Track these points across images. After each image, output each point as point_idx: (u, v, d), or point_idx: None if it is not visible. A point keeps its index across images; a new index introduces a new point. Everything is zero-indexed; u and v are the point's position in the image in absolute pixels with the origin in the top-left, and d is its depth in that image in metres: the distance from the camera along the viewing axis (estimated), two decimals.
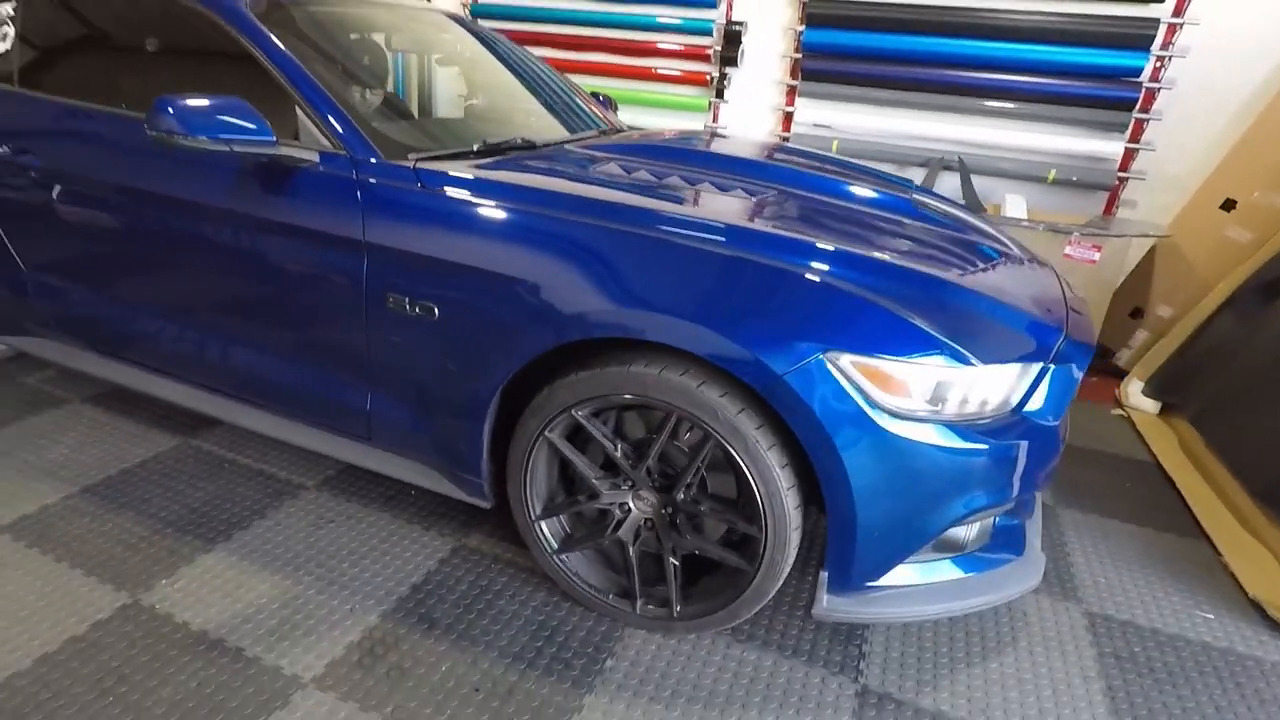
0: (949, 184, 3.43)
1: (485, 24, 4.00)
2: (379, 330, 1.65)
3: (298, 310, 1.75)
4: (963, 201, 3.31)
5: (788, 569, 1.50)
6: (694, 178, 1.87)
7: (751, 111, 3.81)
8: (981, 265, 1.70)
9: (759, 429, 1.40)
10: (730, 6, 3.69)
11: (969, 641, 1.74)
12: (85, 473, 1.94)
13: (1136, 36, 3.10)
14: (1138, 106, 3.21)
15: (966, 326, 1.42)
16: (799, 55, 3.61)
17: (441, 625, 1.62)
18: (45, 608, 1.52)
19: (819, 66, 3.60)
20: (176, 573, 1.66)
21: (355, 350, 1.71)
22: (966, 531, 1.55)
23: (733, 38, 3.66)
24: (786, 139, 3.71)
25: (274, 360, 1.85)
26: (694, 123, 3.89)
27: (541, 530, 1.66)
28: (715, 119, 3.87)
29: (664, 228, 1.48)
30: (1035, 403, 1.49)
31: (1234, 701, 1.61)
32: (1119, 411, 2.98)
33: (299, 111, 1.71)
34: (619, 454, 1.54)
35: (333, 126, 1.67)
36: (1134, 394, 3.02)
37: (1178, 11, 3.07)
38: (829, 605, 1.50)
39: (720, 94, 3.78)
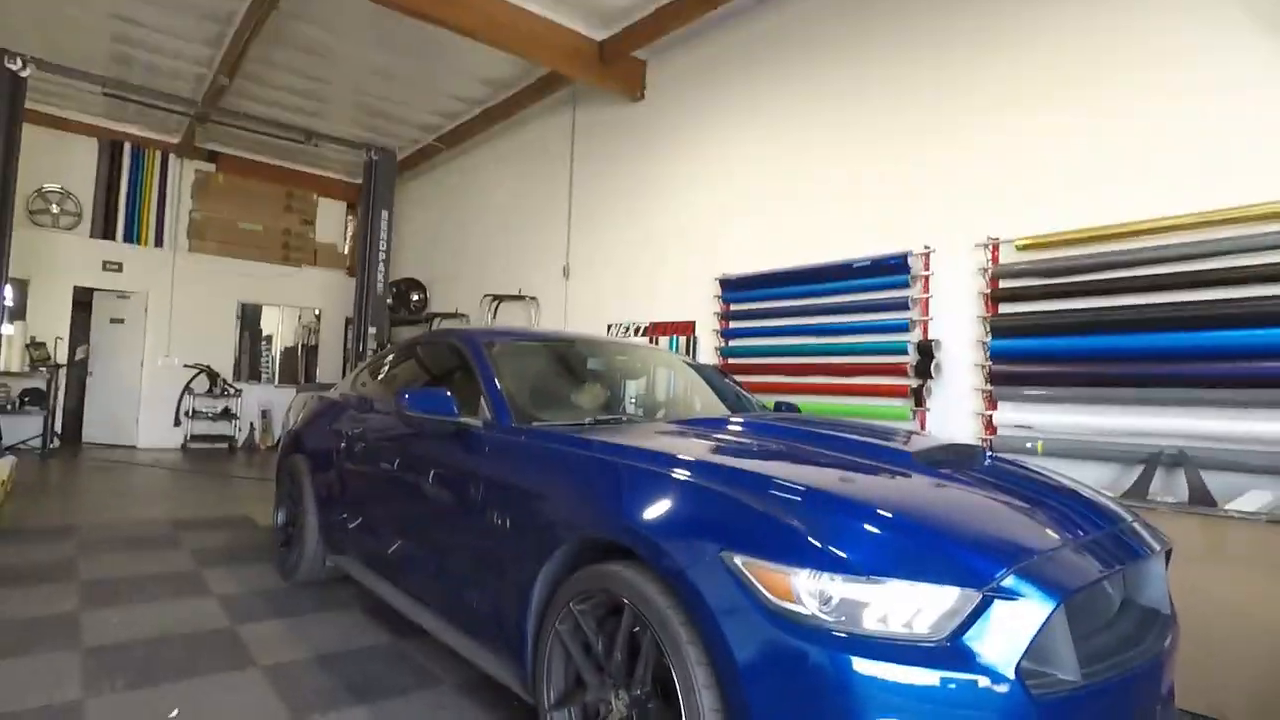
0: (1179, 484, 3.03)
1: (733, 360, 4.96)
2: (479, 537, 2.27)
3: (454, 525, 2.46)
4: (1187, 499, 2.90)
5: None
6: (739, 441, 2.27)
7: (953, 416, 3.92)
8: (974, 503, 1.74)
9: (682, 624, 1.62)
10: (925, 329, 4.08)
11: None
12: None
13: None
14: None
15: (867, 543, 1.52)
16: (989, 364, 3.75)
17: None
18: None
19: (1010, 370, 3.68)
20: None
21: (473, 553, 2.32)
22: None
23: (926, 351, 3.98)
24: (988, 441, 3.70)
25: (440, 568, 2.54)
26: None
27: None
28: (922, 426, 4.04)
29: (621, 460, 1.95)
30: (984, 638, 1.43)
31: None
32: None
33: (482, 400, 2.61)
34: (599, 646, 1.82)
35: (494, 403, 2.52)
36: None
37: None
38: None
39: (919, 403, 4.00)
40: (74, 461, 7.54)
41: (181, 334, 9.07)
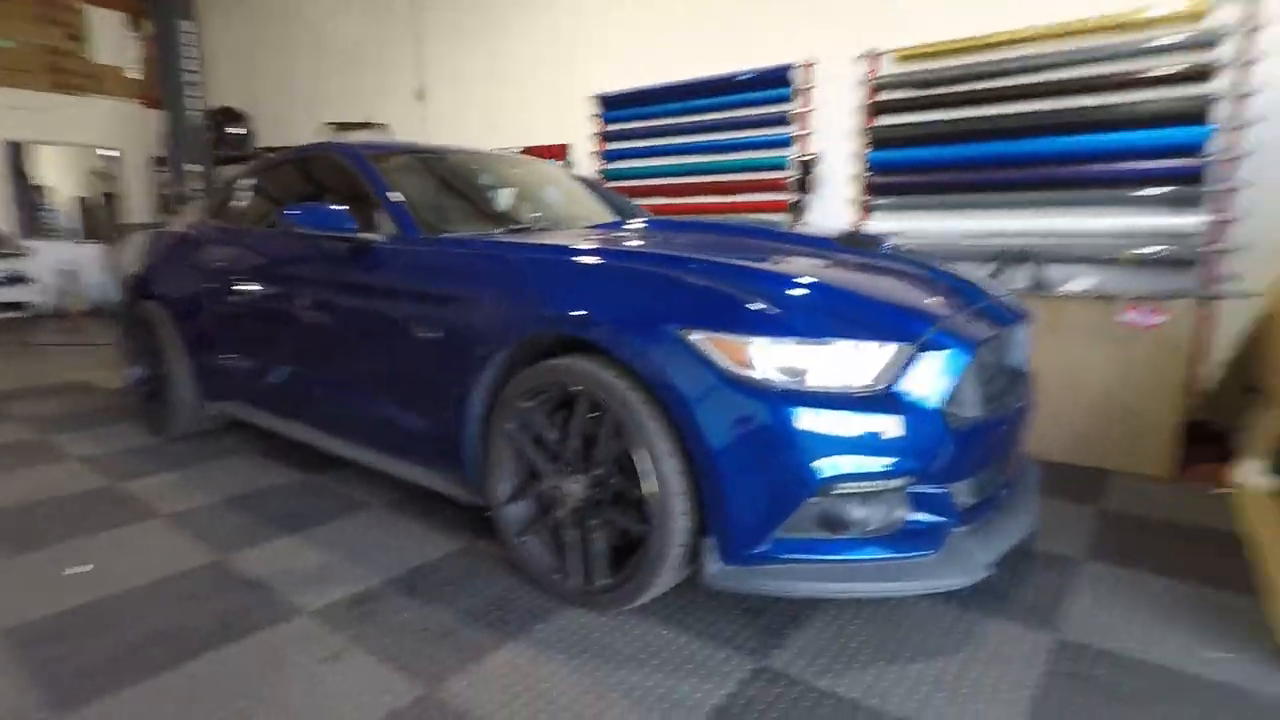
0: (1023, 276, 3.44)
1: (614, 183, 4.86)
2: (402, 354, 2.19)
3: (366, 349, 2.36)
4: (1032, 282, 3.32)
5: (678, 534, 1.67)
6: (644, 238, 2.28)
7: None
8: (883, 279, 1.89)
9: (643, 403, 1.68)
10: (805, 144, 4.18)
11: (901, 643, 1.74)
12: (391, 566, 2.08)
13: (1189, 114, 3.08)
14: (1217, 178, 3.09)
15: (811, 311, 1.64)
16: (867, 175, 3.95)
17: (421, 591, 1.96)
18: (349, 692, 1.55)
19: (886, 181, 3.90)
20: (470, 668, 1.63)
21: (396, 373, 2.25)
22: (857, 512, 1.62)
23: (807, 167, 4.11)
24: None
25: (354, 395, 2.44)
26: None
27: (507, 514, 1.99)
28: None
29: (563, 257, 1.94)
30: (915, 385, 1.61)
31: None
32: (1221, 490, 2.66)
33: (377, 215, 2.42)
34: (554, 439, 1.87)
35: (396, 216, 2.35)
36: (1248, 472, 2.68)
37: (1240, 83, 3.02)
38: (717, 572, 1.64)
39: (798, 217, 4.18)
40: None
41: None
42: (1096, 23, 3.27)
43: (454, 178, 2.96)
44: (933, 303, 1.83)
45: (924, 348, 1.63)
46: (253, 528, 2.36)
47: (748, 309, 1.63)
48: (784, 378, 1.58)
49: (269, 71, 7.93)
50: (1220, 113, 3.07)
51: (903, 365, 1.62)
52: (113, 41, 8.79)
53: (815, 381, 1.59)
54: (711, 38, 4.51)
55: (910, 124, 3.83)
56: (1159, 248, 3.22)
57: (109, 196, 8.93)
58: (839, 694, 1.54)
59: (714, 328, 1.61)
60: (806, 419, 1.55)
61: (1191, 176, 3.13)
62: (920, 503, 1.66)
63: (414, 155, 2.88)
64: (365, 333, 2.35)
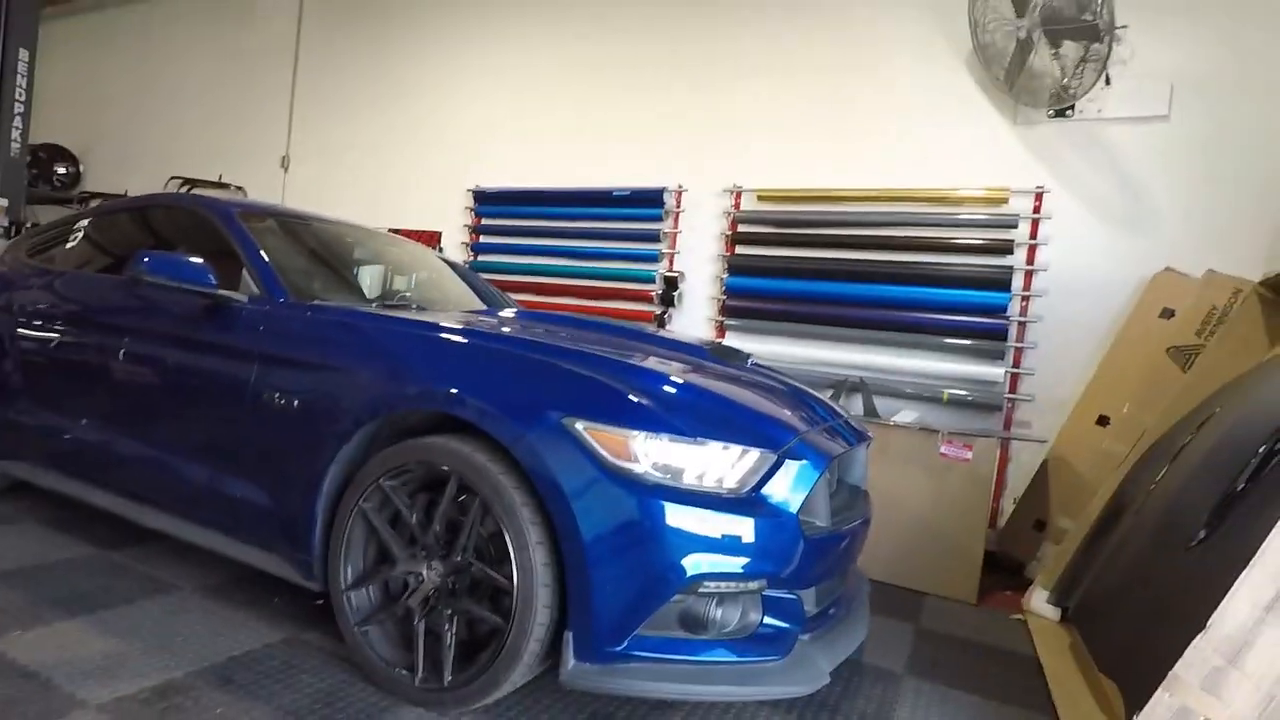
0: (856, 404, 3.79)
1: (487, 276, 4.88)
2: (250, 424, 2.03)
3: (203, 412, 2.16)
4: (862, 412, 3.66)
5: (537, 628, 1.62)
6: (522, 326, 2.32)
7: None
8: (749, 390, 2.03)
9: (515, 489, 1.66)
10: (671, 261, 4.48)
11: None
12: (201, 656, 1.88)
13: (995, 281, 3.65)
14: (1014, 337, 3.65)
15: (689, 411, 1.73)
16: (723, 298, 4.27)
17: (238, 684, 1.74)
18: None
19: (739, 305, 4.23)
20: None
21: (237, 441, 2.07)
22: (716, 612, 1.67)
23: (671, 283, 4.38)
24: None
25: (182, 463, 2.21)
26: None
27: (349, 600, 1.84)
28: None
29: (449, 336, 1.94)
30: (776, 491, 1.71)
31: None
32: (1018, 616, 2.97)
33: (245, 273, 2.29)
34: (414, 520, 1.79)
35: (263, 277, 2.23)
36: (1037, 602, 3.02)
37: (1030, 260, 3.64)
38: (574, 670, 1.60)
39: (662, 326, 4.41)
40: None
41: None
42: (921, 192, 3.84)
43: (325, 248, 2.87)
44: (793, 416, 1.98)
45: (785, 456, 1.75)
46: (29, 608, 2.01)
47: (631, 402, 1.69)
48: (660, 474, 1.63)
49: (113, 114, 7.40)
50: (1016, 283, 3.66)
51: (766, 471, 1.72)
52: None
53: (688, 480, 1.65)
54: (591, 151, 4.80)
55: (763, 256, 4.22)
56: (969, 392, 3.69)
57: None
58: None
59: (598, 419, 1.65)
60: (679, 516, 1.60)
61: (995, 333, 3.66)
62: (771, 607, 1.73)
63: (285, 219, 2.78)
64: (208, 396, 2.16)
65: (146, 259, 2.16)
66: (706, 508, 1.63)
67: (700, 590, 1.62)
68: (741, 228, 4.31)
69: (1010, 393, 3.66)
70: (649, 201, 4.51)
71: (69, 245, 2.86)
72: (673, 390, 1.81)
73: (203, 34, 6.79)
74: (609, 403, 1.68)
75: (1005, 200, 3.68)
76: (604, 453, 1.62)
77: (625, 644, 1.61)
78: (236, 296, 2.20)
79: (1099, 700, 2.13)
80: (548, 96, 5.01)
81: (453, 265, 3.51)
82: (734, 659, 1.68)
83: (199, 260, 2.19)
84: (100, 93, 7.54)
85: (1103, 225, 3.52)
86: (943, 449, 3.17)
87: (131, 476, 2.35)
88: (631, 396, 1.70)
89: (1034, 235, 3.64)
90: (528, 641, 1.63)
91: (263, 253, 2.33)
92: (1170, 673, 1.66)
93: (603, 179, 4.67)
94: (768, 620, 1.73)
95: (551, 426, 1.65)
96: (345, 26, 5.93)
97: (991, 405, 3.67)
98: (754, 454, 1.72)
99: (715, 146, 4.44)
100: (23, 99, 6.11)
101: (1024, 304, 3.67)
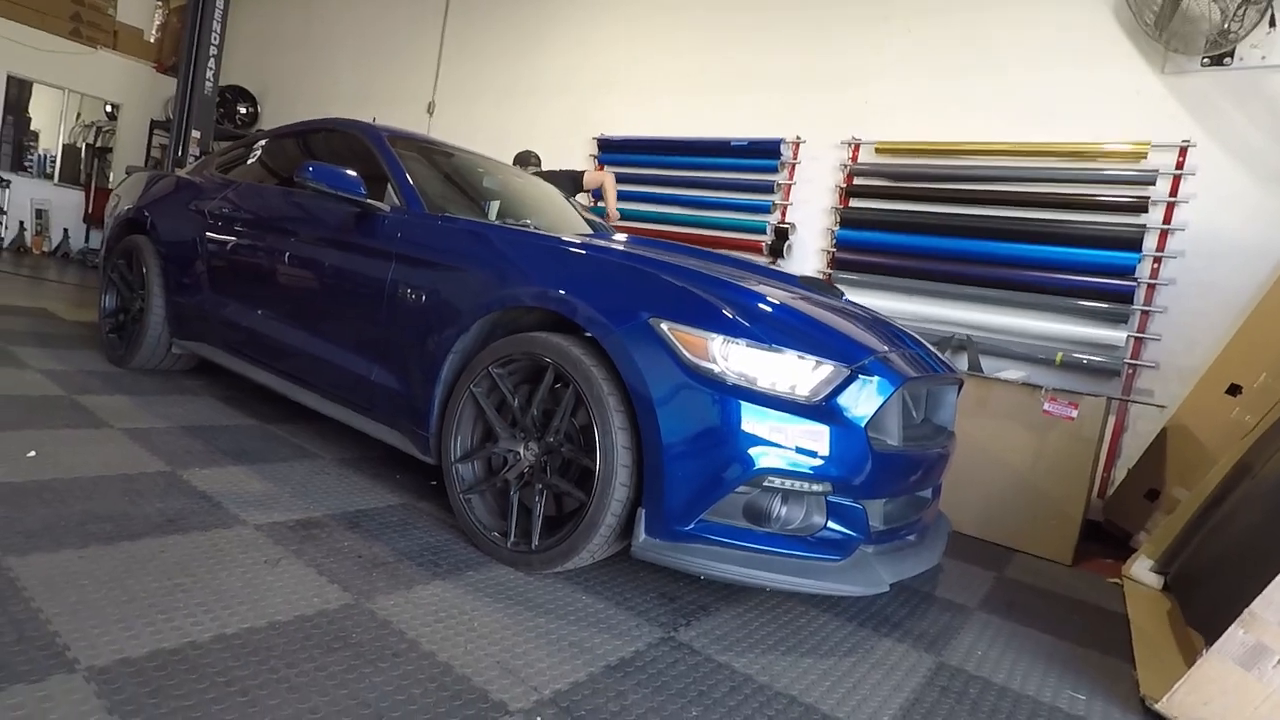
0: (961, 362, 3.73)
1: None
2: (387, 316, 2.33)
3: (349, 306, 2.49)
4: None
5: (614, 504, 1.81)
6: (618, 244, 2.49)
7: None
8: (832, 314, 2.11)
9: (604, 380, 1.85)
10: (784, 213, 4.51)
11: (799, 641, 1.88)
12: (335, 505, 2.19)
13: (1125, 240, 3.45)
14: (1141, 300, 3.45)
15: (768, 322, 1.84)
16: (833, 250, 4.26)
17: (362, 529, 2.05)
18: (284, 590, 1.64)
19: (849, 258, 4.22)
20: (400, 592, 1.73)
21: (375, 331, 2.38)
22: (780, 509, 1.80)
23: (782, 234, 4.42)
24: None
25: (330, 349, 2.56)
26: None
27: (457, 472, 2.11)
28: None
29: (559, 247, 2.13)
30: (847, 403, 1.81)
31: None
32: (1115, 580, 2.90)
33: (389, 187, 2.59)
34: (516, 404, 2.02)
35: (404, 191, 2.52)
36: (1139, 569, 2.93)
37: (1167, 219, 3.42)
38: (644, 543, 1.79)
39: None
40: None
41: None
42: (1050, 146, 3.67)
43: (458, 173, 3.16)
44: (872, 338, 2.05)
45: (859, 372, 1.84)
46: (204, 452, 2.43)
47: (713, 309, 1.82)
48: (736, 376, 1.76)
49: (283, 61, 8.15)
50: (1148, 244, 3.45)
51: (839, 384, 1.82)
52: (139, 4, 8.95)
53: (762, 384, 1.77)
54: (711, 102, 4.87)
55: (877, 209, 4.18)
56: (1086, 355, 3.54)
57: (98, 149, 8.93)
58: (733, 668, 1.68)
59: (681, 320, 1.80)
60: (749, 415, 1.73)
61: (1121, 295, 3.48)
62: (836, 513, 1.84)
63: (427, 145, 3.07)
64: (353, 291, 2.48)
65: (310, 168, 2.49)
66: (777, 409, 1.75)
67: (765, 484, 1.75)
68: (857, 180, 4.27)
69: (1132, 358, 3.48)
70: (765, 153, 4.54)
71: (249, 161, 3.30)
72: (755, 303, 1.93)
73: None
74: (692, 308, 1.82)
75: (1144, 155, 3.46)
76: (684, 352, 1.77)
77: (692, 525, 1.77)
78: (380, 206, 2.50)
79: (1183, 651, 2.10)
80: (669, 48, 5.11)
81: (572, 202, 3.73)
82: (796, 552, 1.80)
83: (353, 173, 2.50)
84: (276, 39, 8.31)
85: (1255, 184, 3.25)
86: (1046, 406, 3.09)
87: (289, 360, 2.73)
88: (713, 304, 1.83)
89: (1174, 193, 3.41)
90: (605, 515, 1.82)
91: (405, 171, 2.62)
92: (1246, 609, 1.65)
93: (721, 129, 4.74)
94: (831, 525, 1.84)
95: (639, 325, 1.81)
96: None
97: (1109, 370, 3.51)
98: (828, 366, 1.82)
99: (835, 98, 4.40)
100: (217, 42, 6.86)
101: (1155, 266, 3.46)
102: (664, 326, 1.80)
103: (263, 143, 3.36)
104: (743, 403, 1.74)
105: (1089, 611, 2.53)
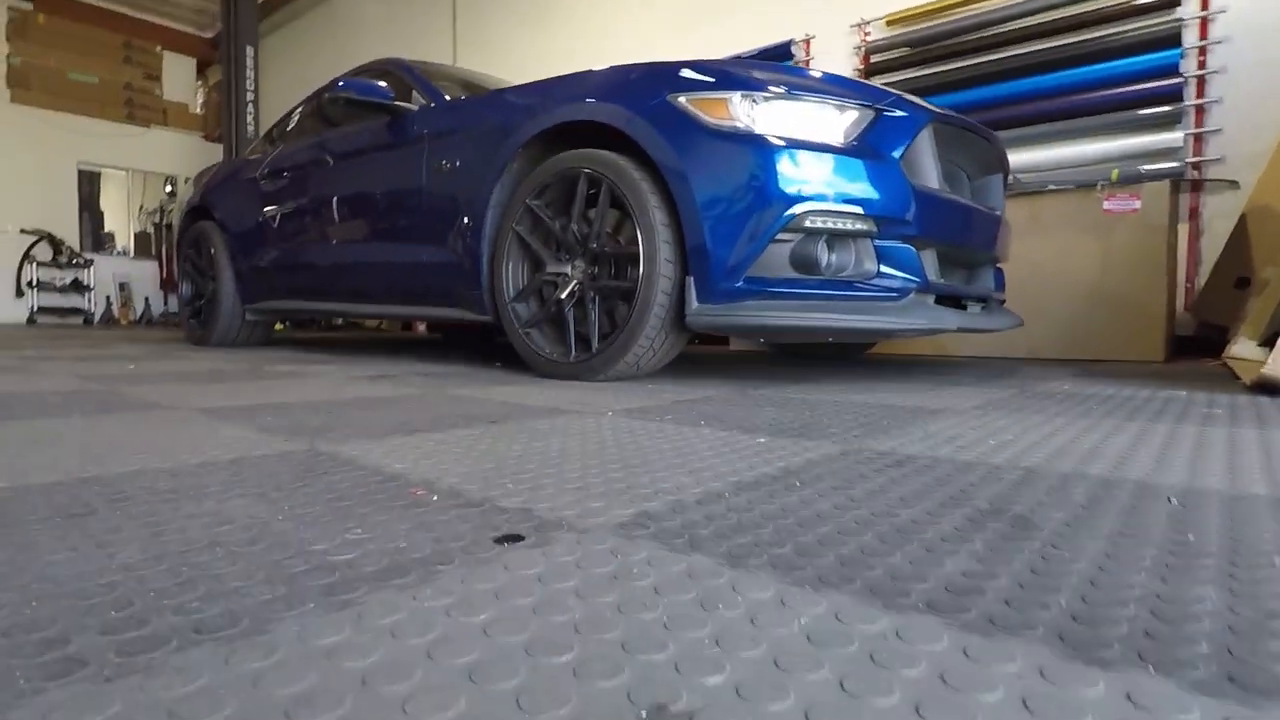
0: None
1: None
2: (428, 193, 2.43)
3: (394, 200, 2.60)
4: None
5: (661, 280, 1.84)
6: None
7: None
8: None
9: (634, 168, 1.88)
10: None
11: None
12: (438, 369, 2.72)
13: (1160, 39, 3.31)
14: (1192, 96, 3.29)
15: (788, 82, 1.85)
16: None
17: (464, 377, 2.13)
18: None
19: None
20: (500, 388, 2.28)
21: (420, 214, 2.48)
22: (828, 255, 1.78)
23: None
24: None
25: (384, 251, 2.67)
26: None
27: (514, 311, 2.17)
28: None
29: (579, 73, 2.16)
30: (875, 140, 1.80)
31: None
32: (1215, 363, 2.74)
33: (414, 93, 2.71)
34: (557, 227, 2.07)
35: (427, 89, 2.64)
36: (1240, 348, 2.76)
37: (1204, 6, 3.26)
38: (697, 310, 1.80)
39: None
40: None
41: (13, 198, 8.17)
42: None
43: (473, 86, 3.28)
44: (897, 98, 2.02)
45: (882, 111, 1.83)
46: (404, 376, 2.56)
47: (729, 75, 1.84)
48: (761, 127, 1.77)
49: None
50: (1189, 38, 3.29)
51: (866, 124, 1.81)
52: (182, 81, 9.62)
53: (788, 132, 1.78)
54: (712, 28, 4.90)
55: (902, 81, 4.10)
56: (1143, 164, 3.38)
57: (164, 226, 9.56)
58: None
59: (698, 90, 1.82)
60: (779, 160, 1.74)
61: (1168, 96, 3.32)
62: (887, 258, 1.81)
63: (447, 68, 3.21)
64: (395, 189, 2.60)
65: (342, 82, 2.64)
66: (808, 151, 1.74)
67: (807, 226, 1.74)
68: (875, 58, 4.22)
69: (1194, 157, 3.30)
70: (777, 57, 4.54)
71: (290, 127, 3.50)
72: (775, 74, 1.93)
73: (373, 10, 7.70)
74: (707, 78, 1.85)
75: None
76: (706, 116, 1.80)
77: (741, 282, 1.77)
78: (409, 105, 2.63)
79: None
80: None
81: None
82: (850, 293, 1.78)
83: (381, 82, 2.64)
84: (308, 76, 8.77)
85: None
86: (1106, 204, 2.96)
87: (347, 279, 2.87)
88: (728, 71, 1.85)
89: None
90: (655, 293, 1.84)
91: (428, 76, 2.74)
92: None
93: (729, 48, 4.76)
94: (884, 269, 1.81)
95: (659, 104, 1.85)
96: None
97: (1168, 176, 3.33)
98: (853, 110, 1.81)
99: None
100: (252, 99, 7.32)
101: (1201, 57, 3.29)
102: (682, 99, 1.83)
103: (300, 107, 3.56)
104: (772, 151, 1.74)
105: (1177, 374, 2.40)
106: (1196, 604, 0.53)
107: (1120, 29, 3.46)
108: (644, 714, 0.37)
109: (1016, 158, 3.73)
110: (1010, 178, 3.62)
